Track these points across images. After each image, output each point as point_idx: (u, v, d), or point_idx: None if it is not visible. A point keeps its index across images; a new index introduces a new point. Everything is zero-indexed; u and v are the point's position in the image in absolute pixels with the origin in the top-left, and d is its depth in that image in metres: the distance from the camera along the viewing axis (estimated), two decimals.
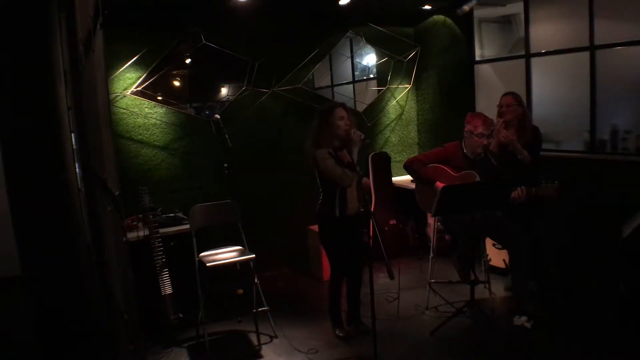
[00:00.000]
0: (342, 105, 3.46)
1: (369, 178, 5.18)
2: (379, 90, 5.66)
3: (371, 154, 5.32)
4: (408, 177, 5.01)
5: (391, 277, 2.80)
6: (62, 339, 1.66)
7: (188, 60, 4.65)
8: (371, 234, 3.42)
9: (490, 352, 3.26)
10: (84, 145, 1.77)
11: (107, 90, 3.19)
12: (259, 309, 3.64)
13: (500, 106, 3.92)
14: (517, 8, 4.83)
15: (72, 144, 1.68)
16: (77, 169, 1.71)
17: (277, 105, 5.01)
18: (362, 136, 3.31)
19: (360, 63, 5.94)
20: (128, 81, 4.31)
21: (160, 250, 3.62)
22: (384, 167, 5.36)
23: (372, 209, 3.27)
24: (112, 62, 4.18)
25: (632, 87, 4.05)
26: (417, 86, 5.82)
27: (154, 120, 4.46)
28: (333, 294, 3.61)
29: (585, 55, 4.15)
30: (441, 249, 4.55)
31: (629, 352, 3.11)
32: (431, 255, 4.00)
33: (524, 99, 4.65)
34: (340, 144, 3.39)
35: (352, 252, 3.53)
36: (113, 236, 2.17)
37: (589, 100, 4.16)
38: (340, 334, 3.58)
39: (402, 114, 5.83)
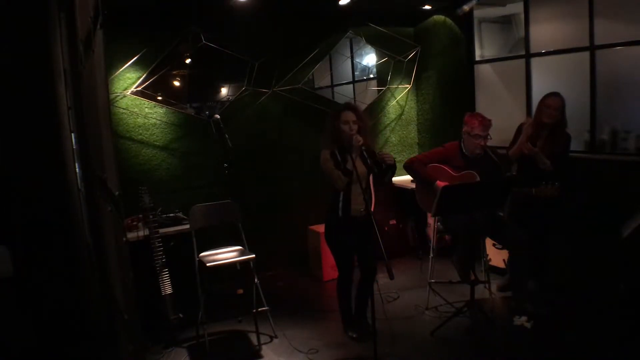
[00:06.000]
0: (351, 107, 3.39)
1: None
2: (379, 90, 5.66)
3: None
4: (408, 177, 5.01)
5: (391, 277, 2.79)
6: (63, 339, 1.65)
7: (188, 60, 4.64)
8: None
9: (490, 352, 3.26)
10: (84, 145, 1.76)
11: (107, 90, 3.20)
12: (259, 309, 3.64)
13: (545, 106, 3.73)
14: (517, 8, 4.83)
15: (72, 144, 1.68)
16: (77, 169, 1.71)
17: (277, 105, 5.00)
18: (360, 142, 3.24)
19: (360, 63, 5.93)
20: (128, 81, 4.31)
21: (160, 250, 3.62)
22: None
23: (372, 209, 3.26)
24: (112, 62, 4.18)
25: (632, 87, 4.05)
26: (417, 86, 5.82)
27: (154, 120, 4.46)
28: (340, 294, 3.58)
29: (585, 55, 4.15)
30: (441, 249, 4.55)
31: (629, 352, 3.11)
32: (431, 255, 4.00)
33: (523, 99, 4.67)
34: (347, 148, 3.31)
35: (359, 254, 3.50)
36: (113, 236, 2.17)
37: (589, 100, 4.16)
38: (354, 335, 3.54)
39: (402, 114, 5.83)
